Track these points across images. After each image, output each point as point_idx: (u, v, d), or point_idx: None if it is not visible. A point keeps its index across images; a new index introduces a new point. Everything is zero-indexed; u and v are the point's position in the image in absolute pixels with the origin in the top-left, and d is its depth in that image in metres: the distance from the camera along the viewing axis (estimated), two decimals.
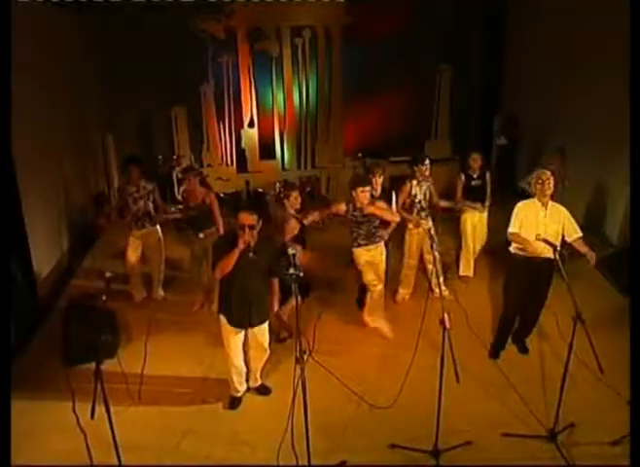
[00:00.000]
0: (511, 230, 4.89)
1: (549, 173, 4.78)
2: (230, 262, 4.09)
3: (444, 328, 3.65)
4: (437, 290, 6.40)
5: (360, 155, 9.47)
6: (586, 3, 7.89)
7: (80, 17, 8.64)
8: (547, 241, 4.21)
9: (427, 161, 6.03)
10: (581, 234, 4.84)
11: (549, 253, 4.74)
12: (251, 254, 4.15)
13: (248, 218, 4.08)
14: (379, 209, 5.43)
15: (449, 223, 7.20)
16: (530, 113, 9.55)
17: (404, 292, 6.39)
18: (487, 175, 6.54)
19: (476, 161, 6.41)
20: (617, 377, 4.60)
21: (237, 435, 4.33)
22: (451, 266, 7.15)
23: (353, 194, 5.30)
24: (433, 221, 6.20)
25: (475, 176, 6.47)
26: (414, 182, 6.06)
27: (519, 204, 4.92)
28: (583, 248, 4.81)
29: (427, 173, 6.08)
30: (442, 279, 5.99)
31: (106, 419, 3.67)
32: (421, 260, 6.39)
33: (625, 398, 4.47)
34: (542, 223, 4.77)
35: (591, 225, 8.09)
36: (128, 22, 8.89)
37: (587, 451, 4.13)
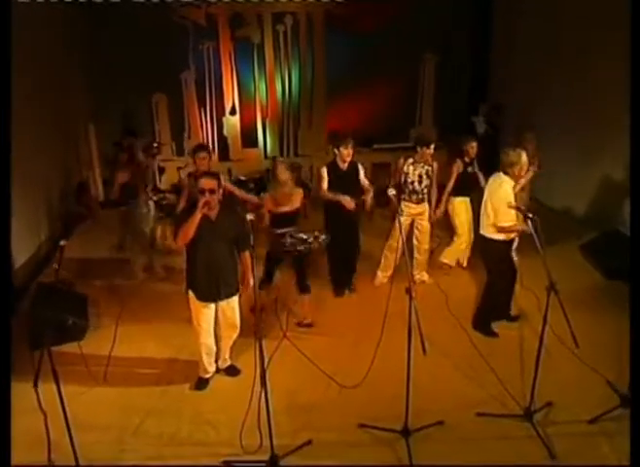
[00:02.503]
0: (507, 218, 4.76)
1: (525, 156, 4.75)
2: (191, 227, 3.99)
3: (410, 297, 3.50)
4: (417, 275, 6.37)
5: None
6: None
7: (61, 7, 8.45)
8: (519, 209, 4.12)
9: (432, 146, 5.88)
10: None
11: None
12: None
13: (209, 183, 4.04)
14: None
15: None
16: (516, 101, 9.45)
17: (382, 275, 6.26)
18: (475, 162, 6.43)
19: (473, 148, 6.27)
20: (597, 358, 4.60)
21: (202, 415, 4.20)
22: (434, 251, 7.03)
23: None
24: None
25: (468, 162, 6.34)
26: (410, 160, 5.96)
27: (511, 182, 4.82)
28: None
29: (429, 157, 5.94)
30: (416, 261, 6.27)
31: (71, 400, 3.65)
32: None
33: (604, 377, 4.44)
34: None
35: (574, 209, 8.09)
36: (110, 11, 8.72)
37: (564, 430, 4.02)
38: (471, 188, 6.37)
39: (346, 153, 5.70)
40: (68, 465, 3.50)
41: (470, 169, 6.34)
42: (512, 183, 4.77)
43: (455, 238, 6.62)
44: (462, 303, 5.87)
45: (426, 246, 6.27)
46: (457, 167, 6.32)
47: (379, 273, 6.29)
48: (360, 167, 5.91)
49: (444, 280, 6.45)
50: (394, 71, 9.83)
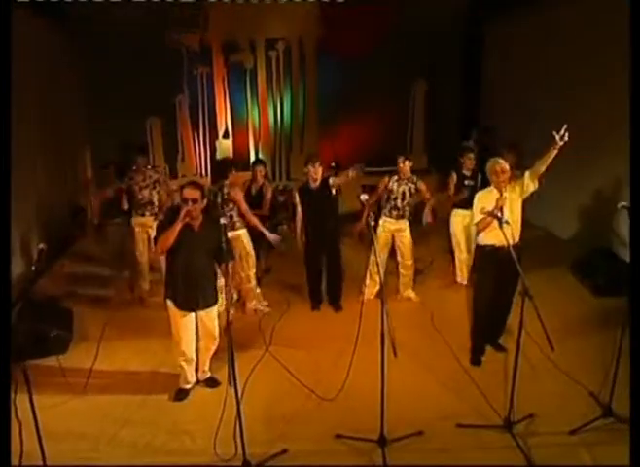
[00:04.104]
0: (475, 219, 4.76)
1: (502, 164, 4.67)
2: (171, 235, 4.02)
3: (382, 302, 3.52)
4: (403, 292, 6.40)
5: (333, 164, 9.44)
6: (562, 20, 7.96)
7: (61, 30, 8.66)
8: (491, 214, 4.13)
9: (406, 160, 6.01)
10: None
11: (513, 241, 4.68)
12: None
13: (192, 192, 4.08)
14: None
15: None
16: (507, 124, 9.55)
17: (368, 292, 6.25)
18: (479, 177, 6.44)
19: (470, 159, 6.43)
20: (581, 371, 4.62)
21: (178, 425, 4.17)
22: (423, 270, 7.08)
23: None
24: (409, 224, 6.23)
25: (468, 175, 6.47)
26: (394, 177, 6.07)
27: (479, 194, 4.87)
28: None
29: (407, 172, 6.05)
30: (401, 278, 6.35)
31: (49, 410, 3.98)
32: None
33: (587, 389, 4.45)
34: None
35: (564, 228, 8.13)
36: (107, 37, 8.93)
37: (544, 441, 3.97)
38: (470, 202, 6.38)
39: (314, 171, 5.86)
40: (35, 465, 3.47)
41: (467, 182, 6.43)
42: (493, 190, 4.73)
43: (455, 256, 6.72)
44: (448, 319, 5.88)
45: (409, 262, 6.30)
46: (452, 179, 6.49)
47: (365, 289, 6.27)
48: (330, 182, 5.96)
49: (431, 298, 6.46)
50: (385, 97, 9.98)
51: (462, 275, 6.73)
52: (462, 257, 6.68)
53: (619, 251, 6.65)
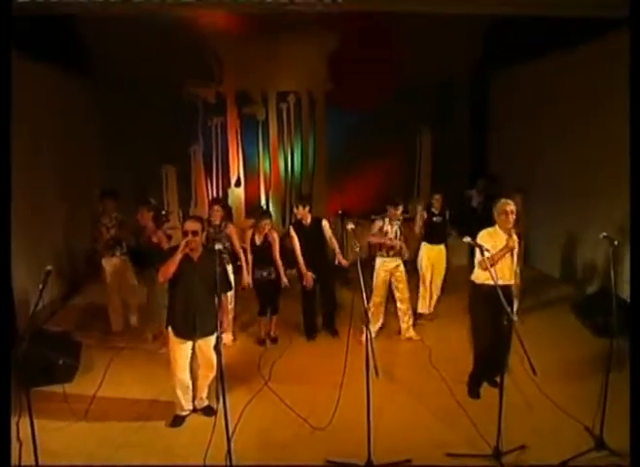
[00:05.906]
0: (478, 257, 4.69)
1: (512, 205, 4.79)
2: (172, 264, 4.23)
3: (367, 327, 3.65)
4: (405, 333, 6.50)
5: (340, 212, 9.64)
6: (564, 68, 8.23)
7: (82, 80, 9.13)
8: (475, 243, 4.27)
9: (401, 207, 6.35)
10: None
11: (509, 280, 4.84)
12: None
13: (192, 225, 4.34)
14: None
15: None
16: (513, 172, 9.74)
17: (370, 330, 6.32)
18: (447, 213, 7.03)
19: (437, 200, 7.02)
20: (584, 411, 4.50)
21: (172, 449, 4.27)
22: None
23: None
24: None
25: (436, 213, 6.98)
26: (387, 220, 6.35)
27: (484, 233, 4.86)
28: None
29: (399, 215, 6.36)
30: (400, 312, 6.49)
31: (50, 432, 4.27)
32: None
33: (582, 424, 4.43)
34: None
35: (565, 272, 8.20)
36: (127, 89, 9.44)
37: None
38: (437, 237, 6.98)
39: (296, 211, 6.41)
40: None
41: (436, 219, 6.96)
42: (498, 231, 4.81)
43: (420, 285, 7.05)
44: (446, 355, 5.97)
45: (406, 295, 6.45)
46: (422, 216, 6.96)
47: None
48: (324, 223, 6.41)
49: (431, 335, 6.58)
50: (393, 146, 10.28)
51: (424, 305, 7.09)
52: (423, 292, 7.05)
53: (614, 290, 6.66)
